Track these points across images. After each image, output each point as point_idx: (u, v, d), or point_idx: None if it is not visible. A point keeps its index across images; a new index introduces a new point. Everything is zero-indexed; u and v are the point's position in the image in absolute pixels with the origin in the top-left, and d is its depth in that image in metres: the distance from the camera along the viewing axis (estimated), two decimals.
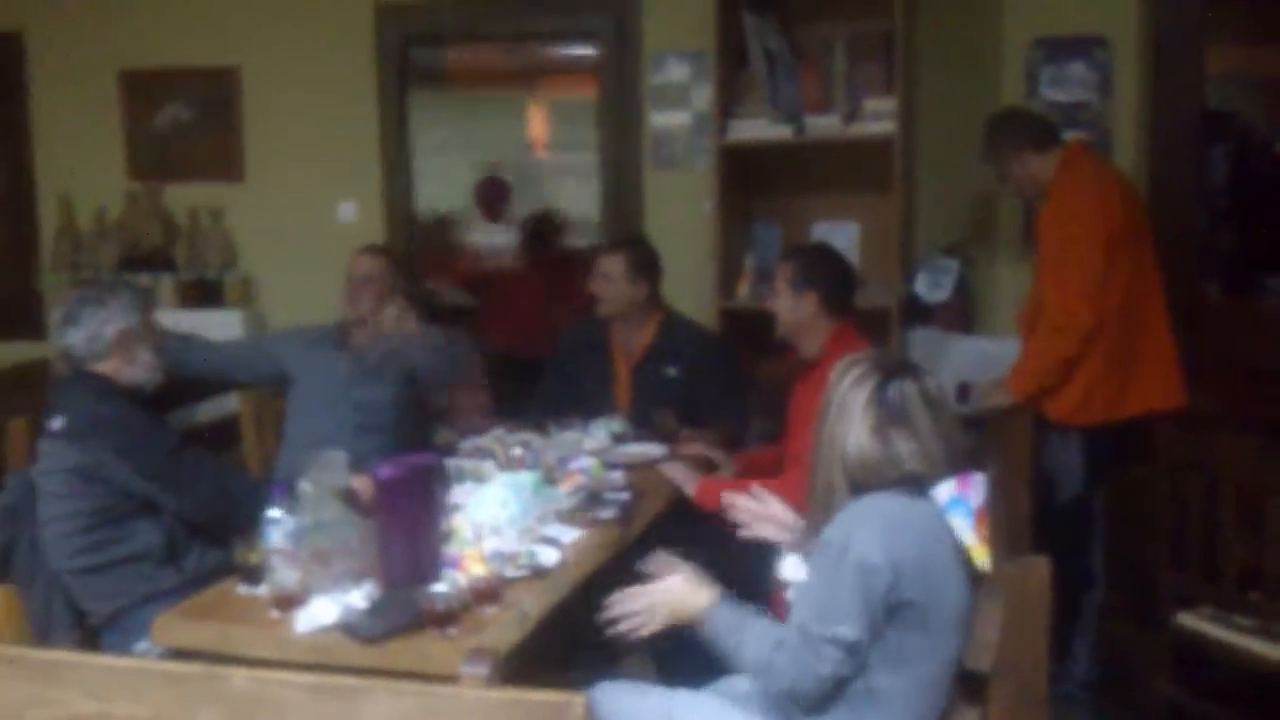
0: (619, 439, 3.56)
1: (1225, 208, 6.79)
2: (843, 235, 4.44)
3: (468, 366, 3.90)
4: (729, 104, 4.24)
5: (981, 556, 2.12)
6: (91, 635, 2.88)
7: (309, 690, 1.69)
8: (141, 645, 2.64)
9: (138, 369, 2.95)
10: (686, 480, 3.30)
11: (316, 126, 5.03)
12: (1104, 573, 3.56)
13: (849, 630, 2.04)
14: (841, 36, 4.18)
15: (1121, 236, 3.50)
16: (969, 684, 2.15)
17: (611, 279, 3.87)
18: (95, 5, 5.27)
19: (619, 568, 2.84)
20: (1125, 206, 3.59)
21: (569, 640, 2.96)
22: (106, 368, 2.90)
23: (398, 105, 5.03)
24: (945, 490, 2.13)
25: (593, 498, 3.00)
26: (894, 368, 2.19)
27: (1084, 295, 3.42)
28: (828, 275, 3.39)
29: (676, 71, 4.61)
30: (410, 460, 2.43)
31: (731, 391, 3.90)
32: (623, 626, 2.26)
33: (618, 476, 3.20)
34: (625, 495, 3.01)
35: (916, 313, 4.35)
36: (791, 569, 2.29)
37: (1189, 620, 3.16)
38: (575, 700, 1.56)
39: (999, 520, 2.22)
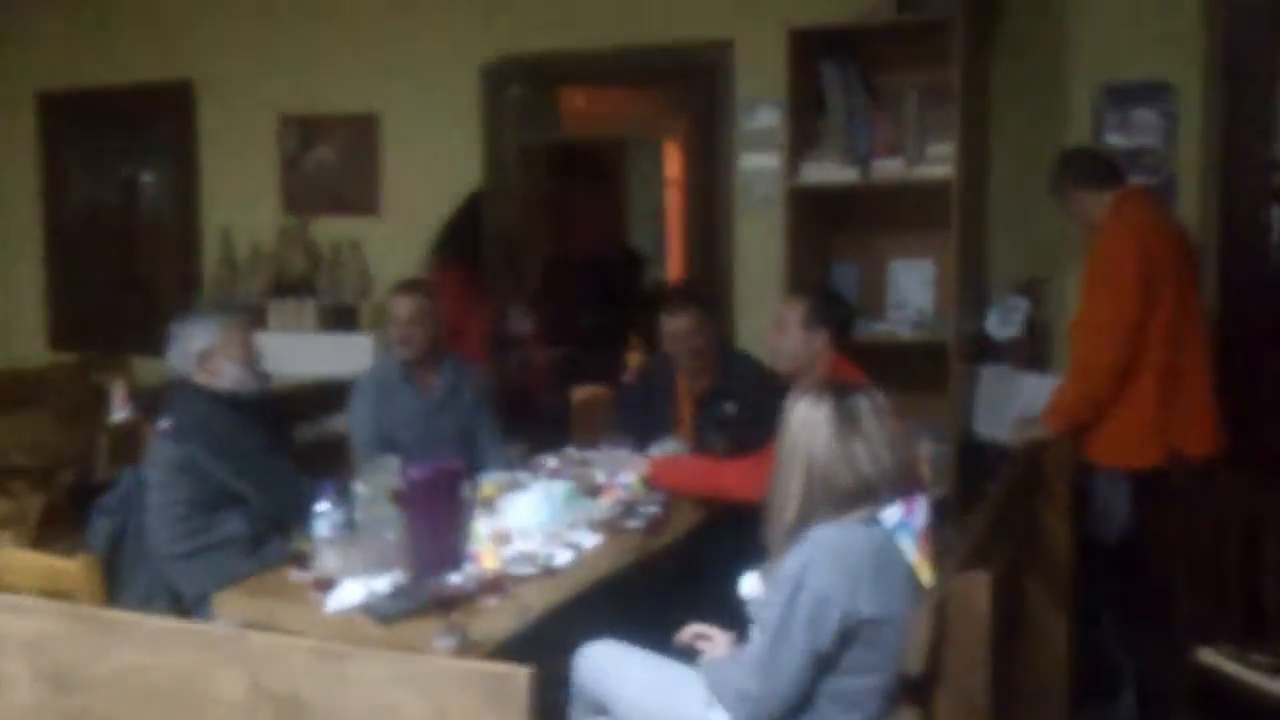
0: None
1: None
2: (918, 273, 4.62)
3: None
4: (806, 148, 4.47)
5: (925, 573, 2.31)
6: (184, 615, 3.26)
7: (309, 652, 1.98)
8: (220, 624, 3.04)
9: (225, 379, 3.38)
10: (637, 465, 3.61)
11: (441, 166, 5.47)
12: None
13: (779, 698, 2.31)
14: (914, 84, 4.36)
15: (1163, 284, 3.56)
16: (905, 687, 2.34)
17: (680, 335, 4.05)
18: (256, 58, 5.89)
19: (641, 574, 3.12)
20: (1173, 254, 3.64)
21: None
22: (200, 378, 3.35)
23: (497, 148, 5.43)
24: (892, 515, 2.32)
25: (628, 510, 3.28)
26: (846, 387, 2.44)
27: (1112, 340, 3.50)
28: (838, 314, 3.65)
29: (766, 117, 4.87)
30: (438, 465, 2.75)
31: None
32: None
33: (658, 493, 3.46)
34: (656, 509, 3.28)
35: (988, 349, 4.47)
36: (749, 586, 2.50)
37: (1208, 656, 3.21)
38: (519, 671, 1.80)
39: (962, 539, 2.40)
